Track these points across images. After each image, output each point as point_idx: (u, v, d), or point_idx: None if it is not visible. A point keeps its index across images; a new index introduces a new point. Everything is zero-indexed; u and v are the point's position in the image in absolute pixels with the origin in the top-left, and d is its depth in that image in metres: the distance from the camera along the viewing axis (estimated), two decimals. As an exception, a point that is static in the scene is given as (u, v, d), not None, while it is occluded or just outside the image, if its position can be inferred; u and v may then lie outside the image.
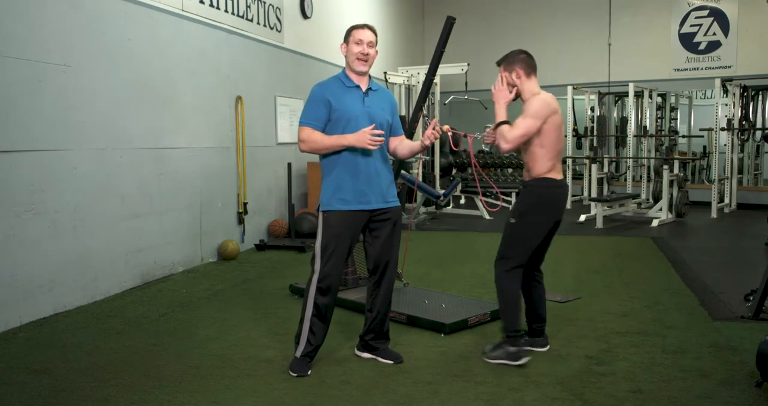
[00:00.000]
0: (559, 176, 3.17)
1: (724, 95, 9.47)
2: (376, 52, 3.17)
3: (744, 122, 9.69)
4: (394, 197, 3.23)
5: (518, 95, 3.21)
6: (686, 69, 10.89)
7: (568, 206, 8.93)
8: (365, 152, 3.07)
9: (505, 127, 3.11)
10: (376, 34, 3.16)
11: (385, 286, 3.25)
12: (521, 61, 3.15)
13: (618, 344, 3.52)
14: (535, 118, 3.07)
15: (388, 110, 3.23)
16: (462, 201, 10.62)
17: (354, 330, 3.62)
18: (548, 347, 3.40)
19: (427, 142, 3.12)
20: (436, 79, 9.04)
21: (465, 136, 3.50)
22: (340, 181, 3.08)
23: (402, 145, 3.29)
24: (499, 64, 3.24)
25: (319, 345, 3.16)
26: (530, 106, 3.10)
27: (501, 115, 3.15)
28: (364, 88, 3.16)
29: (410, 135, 4.23)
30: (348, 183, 3.08)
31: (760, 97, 10.74)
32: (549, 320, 3.96)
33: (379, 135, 3.00)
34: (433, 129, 3.08)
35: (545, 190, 3.15)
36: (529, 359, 3.16)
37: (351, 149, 3.06)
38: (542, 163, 3.13)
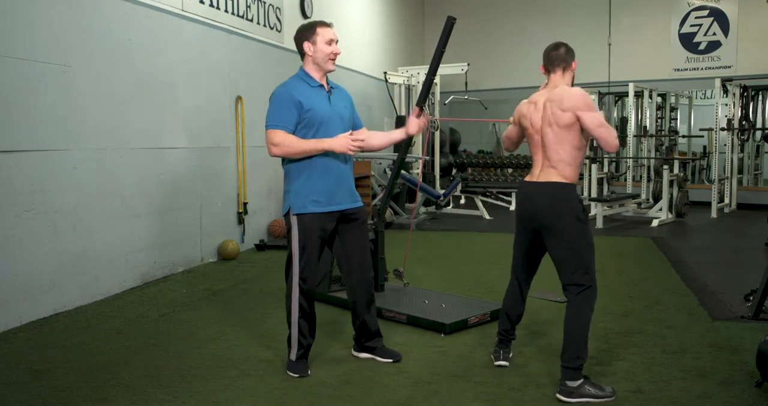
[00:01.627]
0: (527, 178, 3.04)
1: (724, 95, 9.47)
2: None
3: (744, 122, 9.68)
4: (359, 198, 3.24)
5: None
6: (686, 69, 10.89)
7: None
8: (336, 155, 3.06)
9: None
10: None
11: (364, 287, 3.23)
12: (543, 56, 3.05)
13: (618, 344, 3.52)
14: (511, 123, 3.17)
15: (350, 107, 3.23)
16: (462, 201, 10.62)
17: (351, 329, 3.62)
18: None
19: (413, 131, 3.19)
20: (436, 79, 9.03)
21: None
22: (312, 184, 3.05)
23: (373, 136, 3.30)
24: None
25: (310, 344, 3.16)
26: None
27: None
28: (326, 87, 3.15)
29: (411, 136, 4.22)
30: (320, 185, 3.06)
31: (760, 97, 10.73)
32: (549, 319, 3.98)
33: (358, 140, 3.04)
34: (418, 117, 3.16)
35: (516, 193, 3.16)
36: (504, 363, 3.17)
37: (324, 153, 3.04)
38: None
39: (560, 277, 2.96)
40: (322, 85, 3.12)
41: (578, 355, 2.82)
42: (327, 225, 3.10)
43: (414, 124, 3.21)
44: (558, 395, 2.80)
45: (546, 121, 2.92)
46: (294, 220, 3.07)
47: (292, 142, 3.01)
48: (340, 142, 3.01)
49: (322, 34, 3.07)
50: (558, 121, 2.87)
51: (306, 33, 3.10)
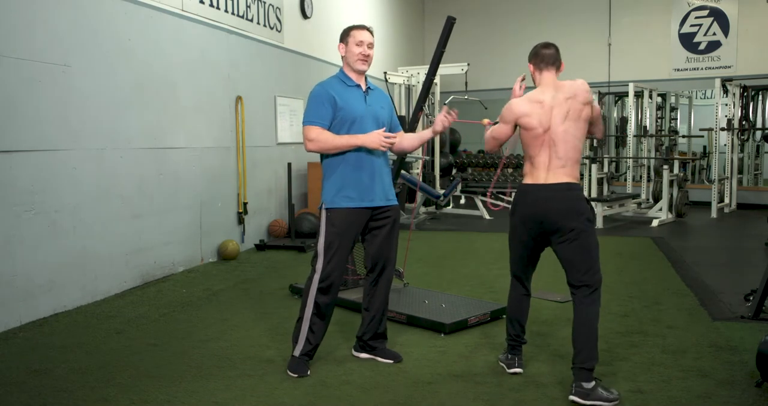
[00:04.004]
0: (531, 180, 2.92)
1: (724, 95, 9.47)
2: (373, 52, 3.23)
3: (744, 122, 9.69)
4: (394, 196, 3.27)
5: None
6: (686, 69, 10.89)
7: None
8: (370, 151, 3.11)
9: (492, 127, 3.10)
10: (373, 35, 3.22)
11: (383, 285, 3.26)
12: (534, 54, 3.01)
13: (618, 344, 3.52)
14: (502, 122, 3.01)
15: (387, 109, 3.29)
16: (462, 201, 10.62)
17: (353, 330, 3.62)
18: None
19: (439, 129, 3.19)
20: (436, 79, 9.02)
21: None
22: (345, 179, 3.10)
23: (406, 138, 3.32)
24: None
25: (317, 344, 3.17)
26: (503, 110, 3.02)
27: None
28: (363, 87, 3.21)
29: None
30: (353, 181, 3.10)
31: (760, 97, 10.74)
32: (548, 319, 3.97)
33: (391, 137, 3.06)
34: (446, 115, 3.13)
35: (517, 196, 3.00)
36: (519, 370, 3.06)
37: (357, 148, 3.09)
38: (524, 168, 2.99)
39: (570, 278, 2.88)
40: (359, 85, 3.19)
41: (592, 356, 2.78)
42: (357, 222, 3.12)
43: (439, 123, 3.19)
44: (574, 398, 2.73)
45: (563, 118, 2.86)
46: (323, 214, 3.13)
47: (326, 138, 3.08)
48: (372, 138, 3.05)
49: (354, 35, 3.16)
50: (579, 116, 2.88)
51: (342, 35, 3.21)
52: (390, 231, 3.22)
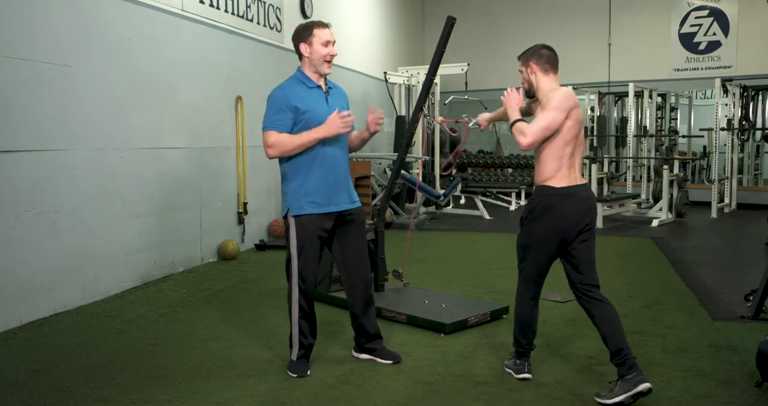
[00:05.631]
0: (567, 183, 2.83)
1: (724, 95, 9.47)
2: None
3: (744, 122, 9.69)
4: (357, 198, 3.22)
5: (530, 94, 3.01)
6: (686, 69, 10.89)
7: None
8: (333, 153, 3.06)
9: (521, 123, 2.87)
10: None
11: (362, 289, 3.21)
12: (538, 56, 2.94)
13: (618, 344, 3.52)
14: (558, 110, 2.80)
15: (346, 107, 3.21)
16: (462, 201, 10.62)
17: (352, 330, 3.62)
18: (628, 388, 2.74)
19: (373, 129, 3.15)
20: (436, 79, 9.02)
21: (457, 122, 3.49)
22: (310, 184, 3.04)
23: (351, 136, 3.29)
24: (519, 57, 3.06)
25: (311, 344, 3.17)
26: (552, 98, 2.83)
27: (515, 114, 2.96)
28: (324, 87, 3.13)
29: (411, 135, 4.22)
30: (318, 186, 3.04)
31: (760, 97, 10.74)
32: (548, 319, 3.97)
33: (346, 115, 2.99)
34: (374, 115, 3.12)
35: (544, 199, 2.85)
36: (528, 376, 3.01)
37: (319, 152, 3.02)
38: (545, 167, 2.86)
39: (585, 279, 2.86)
40: (319, 86, 3.11)
41: (628, 345, 2.83)
42: (325, 226, 3.09)
43: (372, 124, 3.14)
44: (646, 385, 2.68)
45: None
46: (292, 221, 3.07)
47: (285, 141, 3.00)
48: (330, 125, 2.98)
49: (319, 35, 3.05)
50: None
51: (303, 34, 3.08)
52: (358, 233, 3.19)
